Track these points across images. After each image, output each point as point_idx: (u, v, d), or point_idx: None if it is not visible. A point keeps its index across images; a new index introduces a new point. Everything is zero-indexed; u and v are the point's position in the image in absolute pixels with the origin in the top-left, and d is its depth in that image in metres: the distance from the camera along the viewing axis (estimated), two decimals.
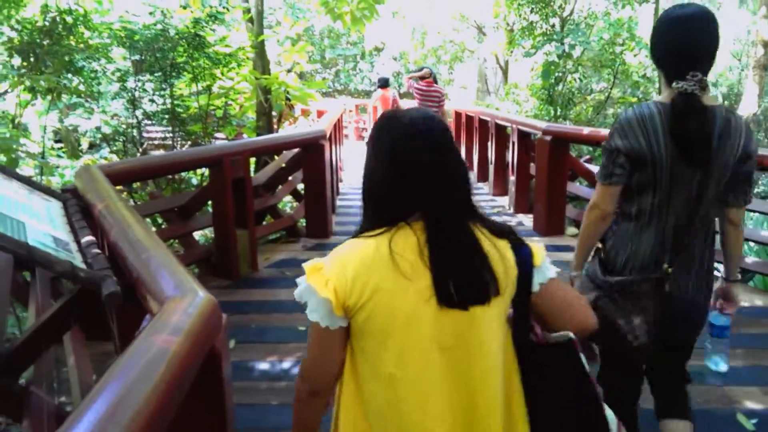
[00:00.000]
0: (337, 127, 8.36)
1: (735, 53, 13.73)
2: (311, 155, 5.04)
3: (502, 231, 1.12)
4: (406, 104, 12.40)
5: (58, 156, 8.03)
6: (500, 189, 7.44)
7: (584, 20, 9.69)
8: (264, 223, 5.32)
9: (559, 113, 10.16)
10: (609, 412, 1.17)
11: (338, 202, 7.10)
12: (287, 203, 7.16)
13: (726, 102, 14.58)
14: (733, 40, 13.92)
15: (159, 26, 5.40)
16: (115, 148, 7.87)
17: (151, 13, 5.56)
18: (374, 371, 1.08)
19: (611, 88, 10.20)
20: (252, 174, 5.87)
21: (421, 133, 1.07)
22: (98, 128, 7.63)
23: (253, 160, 5.59)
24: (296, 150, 5.12)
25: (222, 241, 4.09)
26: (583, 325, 1.18)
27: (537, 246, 1.16)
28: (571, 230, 5.24)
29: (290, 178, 5.57)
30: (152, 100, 5.71)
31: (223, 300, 3.88)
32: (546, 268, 1.16)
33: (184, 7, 5.46)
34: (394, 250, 1.04)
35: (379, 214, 1.10)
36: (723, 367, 1.93)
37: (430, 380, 1.05)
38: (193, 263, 4.22)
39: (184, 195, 4.44)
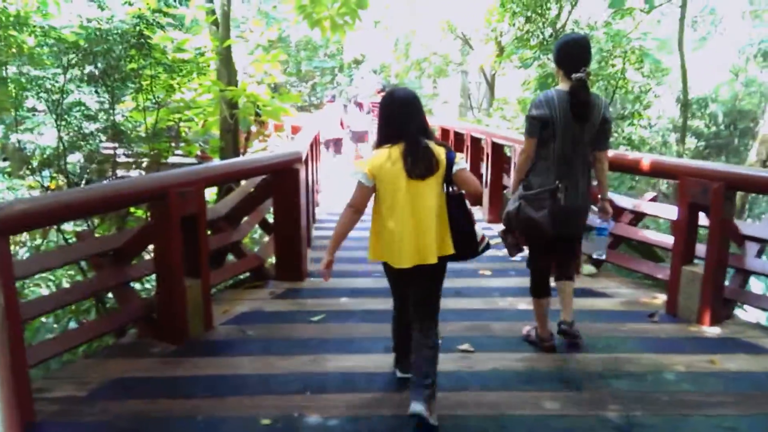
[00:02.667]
0: (314, 144, 7.62)
1: (734, 69, 13.49)
2: (284, 182, 4.28)
3: (442, 144, 2.54)
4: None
5: None
6: (496, 215, 6.79)
7: (582, 30, 9.16)
8: (224, 264, 4.52)
9: None
10: (479, 229, 2.64)
11: (315, 232, 6.32)
12: (254, 237, 6.36)
13: (727, 119, 14.23)
14: (738, 53, 13.69)
15: (94, 24, 4.60)
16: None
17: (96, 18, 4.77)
18: (380, 207, 2.52)
19: (610, 103, 9.66)
20: (212, 203, 5.08)
21: (400, 99, 2.54)
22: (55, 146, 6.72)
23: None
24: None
25: (166, 294, 3.29)
26: (475, 189, 2.55)
27: (459, 153, 2.59)
28: (587, 268, 4.55)
29: (259, 207, 4.80)
30: (88, 116, 4.87)
31: (161, 376, 3.09)
32: (460, 163, 2.52)
33: (129, 3, 4.69)
34: (390, 153, 2.47)
35: (385, 140, 2.52)
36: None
37: (402, 211, 2.46)
38: (129, 323, 3.40)
39: (120, 235, 3.63)
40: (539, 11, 8.96)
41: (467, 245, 2.56)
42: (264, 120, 7.58)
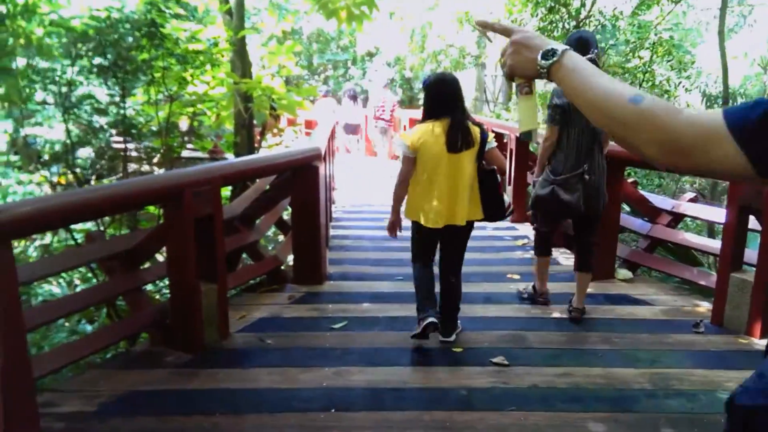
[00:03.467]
0: (331, 138, 7.42)
1: (762, 61, 13.07)
2: (303, 180, 4.09)
3: (477, 123, 3.09)
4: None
5: (4, 174, 6.97)
6: (521, 214, 6.56)
7: (607, 21, 8.87)
8: (240, 266, 4.34)
9: None
10: (506, 197, 3.27)
11: (332, 231, 6.14)
12: (270, 238, 6.19)
13: None
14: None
15: (103, 14, 4.41)
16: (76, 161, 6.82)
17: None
18: (419, 175, 3.02)
19: None
20: (227, 202, 4.92)
21: (447, 81, 3.07)
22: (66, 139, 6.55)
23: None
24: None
25: (180, 299, 3.11)
26: (501, 165, 3.23)
27: (490, 134, 3.15)
28: (623, 273, 4.32)
29: (276, 206, 4.62)
30: (99, 109, 4.70)
31: (175, 389, 2.70)
32: (492, 143, 3.10)
33: None
34: (434, 128, 2.97)
35: (429, 115, 3.02)
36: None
37: (439, 179, 2.97)
38: (141, 330, 3.24)
39: (131, 236, 3.46)
40: (563, 1, 8.67)
41: (497, 209, 3.19)
42: (279, 114, 7.38)
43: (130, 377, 2.85)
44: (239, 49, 5.54)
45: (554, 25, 8.84)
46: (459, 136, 2.95)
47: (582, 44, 3.22)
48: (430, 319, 3.03)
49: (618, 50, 8.09)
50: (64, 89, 4.43)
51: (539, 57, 1.00)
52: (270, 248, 7.85)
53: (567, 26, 8.85)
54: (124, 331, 3.18)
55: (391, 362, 3.02)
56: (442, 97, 3.00)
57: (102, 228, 4.43)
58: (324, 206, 4.49)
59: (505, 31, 1.09)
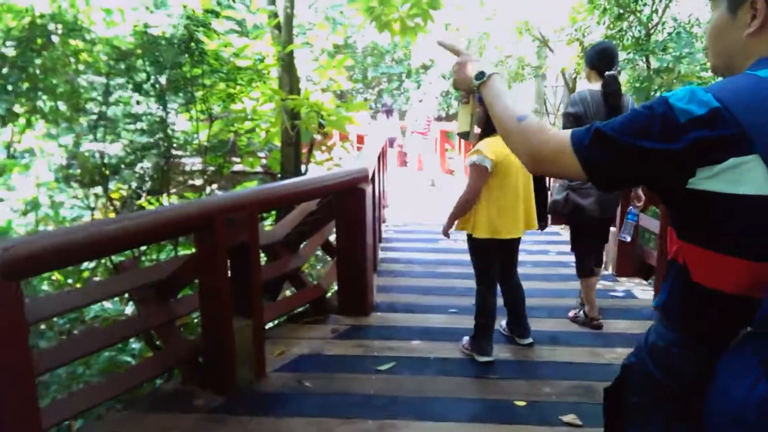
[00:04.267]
0: (382, 155, 7.16)
1: None
2: (348, 203, 3.82)
3: None
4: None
5: (60, 189, 7.07)
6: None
7: (681, 28, 8.23)
8: (279, 296, 4.10)
9: None
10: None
11: (381, 254, 5.84)
12: (320, 257, 5.97)
13: None
14: None
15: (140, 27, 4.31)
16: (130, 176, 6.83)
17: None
18: (492, 189, 3.08)
19: None
20: (269, 226, 4.71)
21: None
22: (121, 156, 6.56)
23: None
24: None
25: (212, 336, 2.88)
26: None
27: None
28: None
29: (321, 230, 4.36)
30: (142, 129, 4.59)
31: None
32: None
33: (184, 5, 4.41)
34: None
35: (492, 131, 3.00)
36: (627, 239, 3.81)
37: (514, 191, 3.12)
38: (173, 368, 3.02)
39: (165, 265, 3.27)
40: (632, 7, 8.12)
41: (544, 217, 3.48)
42: (328, 131, 7.19)
43: (157, 423, 2.63)
44: (287, 65, 5.37)
45: (623, 32, 8.28)
46: None
47: (606, 56, 3.45)
48: (489, 359, 3.22)
49: (694, 58, 7.44)
50: (103, 108, 4.37)
51: (473, 77, 1.30)
52: (318, 267, 7.67)
53: (637, 34, 8.28)
54: (155, 369, 2.97)
55: (444, 416, 2.67)
56: None
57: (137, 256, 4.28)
58: (372, 230, 4.20)
59: (456, 53, 1.42)
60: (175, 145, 4.75)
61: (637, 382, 1.16)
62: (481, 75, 1.29)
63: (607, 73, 3.40)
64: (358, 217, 3.86)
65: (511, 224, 3.14)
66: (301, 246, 4.15)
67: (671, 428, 1.08)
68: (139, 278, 3.05)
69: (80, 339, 3.02)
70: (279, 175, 5.87)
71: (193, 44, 4.19)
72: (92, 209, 5.40)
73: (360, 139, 12.81)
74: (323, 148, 7.55)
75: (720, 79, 1.05)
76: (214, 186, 7.87)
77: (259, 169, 7.96)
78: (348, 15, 18.11)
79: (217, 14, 4.51)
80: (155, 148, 4.66)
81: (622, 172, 1.03)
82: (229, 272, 2.88)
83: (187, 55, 4.23)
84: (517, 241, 3.33)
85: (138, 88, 4.33)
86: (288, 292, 5.36)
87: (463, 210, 3.14)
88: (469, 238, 3.20)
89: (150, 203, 6.33)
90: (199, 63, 4.33)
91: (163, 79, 4.36)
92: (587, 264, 3.69)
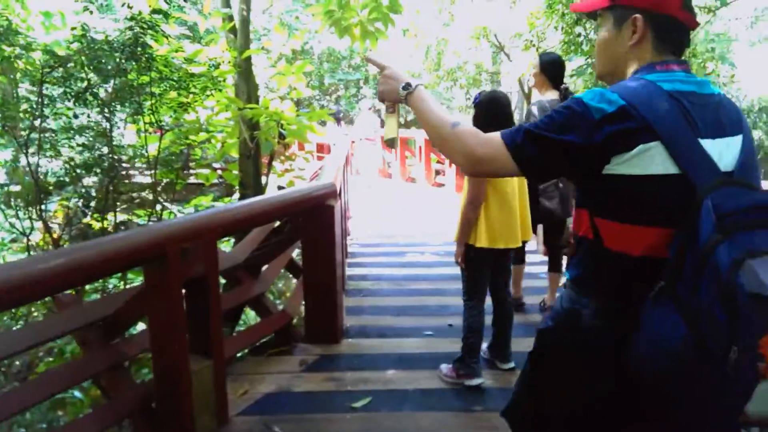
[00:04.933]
0: (346, 164, 6.91)
1: None
2: (315, 222, 3.54)
3: None
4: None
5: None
6: None
7: None
8: (239, 325, 3.79)
9: None
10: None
11: (348, 270, 5.57)
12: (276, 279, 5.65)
13: None
14: None
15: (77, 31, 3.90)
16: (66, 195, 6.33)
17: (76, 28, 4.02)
18: (490, 198, 2.97)
19: None
20: (229, 247, 4.39)
21: (503, 99, 3.07)
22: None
23: None
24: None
25: (166, 380, 2.55)
26: None
27: None
28: None
29: (285, 250, 4.07)
30: (77, 145, 4.17)
31: None
32: None
33: (129, 6, 4.01)
34: None
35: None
36: None
37: (512, 199, 3.04)
38: (122, 418, 2.67)
39: (111, 299, 2.92)
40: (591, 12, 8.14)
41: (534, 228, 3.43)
42: (289, 143, 6.88)
43: None
44: (244, 71, 5.06)
45: (583, 38, 8.29)
46: None
47: (560, 67, 3.74)
48: (481, 381, 3.07)
49: None
50: (37, 121, 3.95)
51: (400, 88, 1.44)
52: (280, 284, 7.33)
53: (594, 39, 8.31)
54: (101, 421, 2.61)
55: None
56: (497, 115, 2.97)
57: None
58: (340, 248, 3.94)
59: (381, 67, 1.52)
60: (123, 158, 4.36)
61: (555, 343, 1.35)
62: (407, 86, 1.44)
63: (563, 85, 3.69)
64: (326, 237, 3.59)
65: (509, 233, 3.05)
66: (264, 268, 3.85)
67: (585, 382, 1.26)
68: (81, 317, 2.70)
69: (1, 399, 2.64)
70: (237, 190, 5.53)
71: (139, 49, 3.82)
72: (25, 233, 4.91)
73: (320, 148, 12.52)
74: (282, 158, 7.22)
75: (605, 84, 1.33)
76: (167, 203, 7.46)
77: (216, 180, 7.59)
78: (304, 20, 17.80)
79: (166, 15, 4.16)
80: (98, 165, 4.26)
81: (551, 164, 1.22)
82: (184, 306, 2.58)
83: (133, 62, 3.86)
84: (511, 251, 3.22)
85: (76, 97, 3.92)
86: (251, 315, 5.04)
87: (469, 225, 3.00)
88: (469, 248, 3.02)
89: (97, 221, 5.89)
90: (147, 70, 3.96)
91: (107, 88, 3.97)
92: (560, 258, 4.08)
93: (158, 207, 5.30)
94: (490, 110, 3.00)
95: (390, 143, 1.60)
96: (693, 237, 1.06)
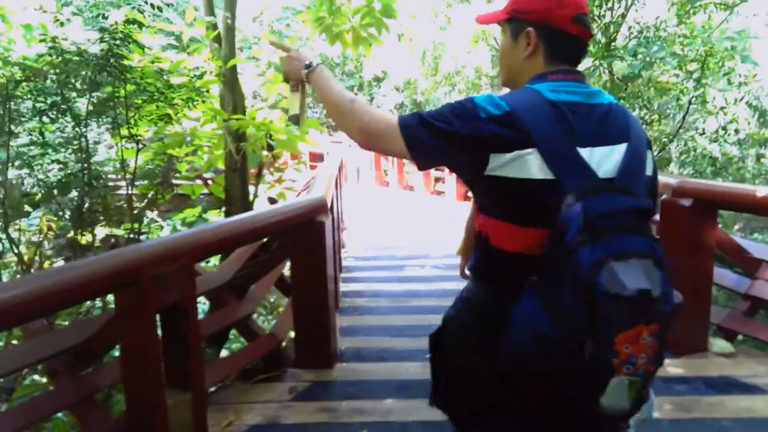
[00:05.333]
0: (339, 173, 6.76)
1: None
2: (304, 240, 3.39)
3: None
4: None
5: None
6: None
7: (650, 30, 8.17)
8: (225, 348, 3.62)
9: None
10: None
11: (342, 286, 5.41)
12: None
13: None
14: None
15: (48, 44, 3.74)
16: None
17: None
18: None
19: (684, 118, 8.61)
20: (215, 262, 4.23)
21: None
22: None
23: None
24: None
25: (140, 414, 2.38)
26: None
27: None
28: (720, 345, 3.52)
29: (273, 269, 3.91)
30: (52, 161, 4.01)
31: None
32: None
33: (104, 16, 3.87)
34: None
35: None
36: None
37: None
38: None
39: (83, 325, 2.75)
40: (596, 12, 8.04)
41: None
42: (278, 154, 6.73)
43: None
44: (229, 81, 4.91)
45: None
46: None
47: None
48: None
49: (664, 62, 7.33)
50: (3, 138, 3.79)
51: (303, 66, 1.57)
52: (272, 299, 7.15)
53: (602, 40, 8.19)
54: None
55: None
56: None
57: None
58: (333, 263, 3.79)
59: (286, 49, 1.67)
60: (103, 173, 4.20)
61: (455, 329, 1.46)
62: (309, 65, 1.55)
63: None
64: (317, 255, 3.43)
65: None
66: (251, 288, 3.68)
67: (481, 361, 1.33)
68: (49, 346, 2.53)
69: None
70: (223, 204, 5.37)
71: (112, 60, 3.64)
72: None
73: (313, 157, 12.39)
74: (272, 169, 7.08)
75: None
76: (155, 212, 7.29)
77: (206, 191, 7.43)
78: (295, 28, 17.74)
79: (140, 25, 4.01)
80: (72, 184, 4.10)
81: (435, 150, 1.31)
82: (159, 335, 2.42)
83: (105, 74, 3.69)
84: None
85: (42, 113, 3.75)
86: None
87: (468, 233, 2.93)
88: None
89: (83, 234, 5.73)
90: (122, 82, 3.80)
91: (81, 103, 3.82)
92: None
93: (145, 219, 5.15)
94: None
95: (294, 120, 1.68)
96: (562, 238, 1.15)
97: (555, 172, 1.21)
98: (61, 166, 4.17)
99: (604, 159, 1.26)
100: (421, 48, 14.47)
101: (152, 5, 3.88)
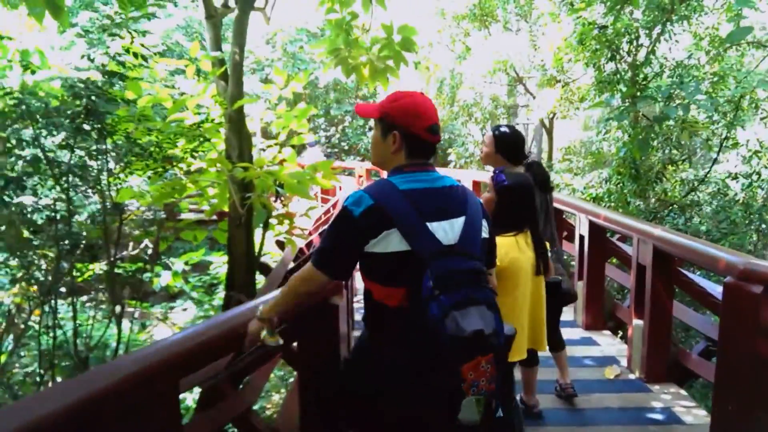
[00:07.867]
0: None
1: None
2: (313, 322, 2.90)
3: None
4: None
5: None
6: (594, 319, 5.39)
7: (682, 70, 7.74)
8: None
9: (639, 190, 8.14)
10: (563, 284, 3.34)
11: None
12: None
13: None
14: None
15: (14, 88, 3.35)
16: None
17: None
18: (503, 291, 2.46)
19: (715, 160, 8.13)
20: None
21: (528, 184, 2.84)
22: None
23: None
24: None
25: None
26: None
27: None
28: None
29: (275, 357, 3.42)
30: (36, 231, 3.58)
31: None
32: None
33: (90, 59, 3.48)
34: (518, 242, 2.73)
35: (512, 227, 2.78)
36: None
37: (515, 303, 2.67)
38: None
39: None
40: (627, 49, 7.61)
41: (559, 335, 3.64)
42: (286, 201, 6.30)
43: None
44: (236, 123, 4.49)
45: (617, 76, 7.72)
46: (544, 253, 2.90)
47: (515, 147, 3.39)
48: None
49: (701, 104, 6.88)
50: None
51: (255, 321, 2.13)
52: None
53: (635, 77, 7.73)
54: None
55: None
56: (524, 204, 2.83)
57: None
58: (346, 345, 3.30)
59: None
60: (83, 236, 3.78)
61: (352, 370, 2.22)
62: (255, 316, 2.12)
63: (528, 160, 3.47)
64: (327, 339, 2.94)
65: (519, 344, 2.64)
66: (250, 377, 3.20)
67: (375, 393, 1.92)
68: None
69: None
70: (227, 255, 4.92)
71: (91, 120, 3.23)
72: None
73: (324, 191, 11.93)
74: (280, 217, 6.63)
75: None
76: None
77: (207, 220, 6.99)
78: (309, 51, 17.47)
79: (123, 77, 3.61)
80: (53, 249, 3.68)
81: (344, 262, 1.89)
82: None
83: (82, 136, 3.29)
84: (514, 364, 2.84)
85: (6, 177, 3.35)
86: None
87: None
88: None
89: (81, 272, 5.31)
90: (103, 140, 3.38)
91: (64, 156, 3.41)
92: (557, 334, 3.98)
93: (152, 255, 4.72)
94: (521, 198, 2.80)
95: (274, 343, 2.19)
96: (419, 293, 1.69)
97: (411, 244, 1.74)
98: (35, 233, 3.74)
99: (448, 229, 1.79)
100: (439, 77, 14.10)
101: (135, 54, 3.50)
